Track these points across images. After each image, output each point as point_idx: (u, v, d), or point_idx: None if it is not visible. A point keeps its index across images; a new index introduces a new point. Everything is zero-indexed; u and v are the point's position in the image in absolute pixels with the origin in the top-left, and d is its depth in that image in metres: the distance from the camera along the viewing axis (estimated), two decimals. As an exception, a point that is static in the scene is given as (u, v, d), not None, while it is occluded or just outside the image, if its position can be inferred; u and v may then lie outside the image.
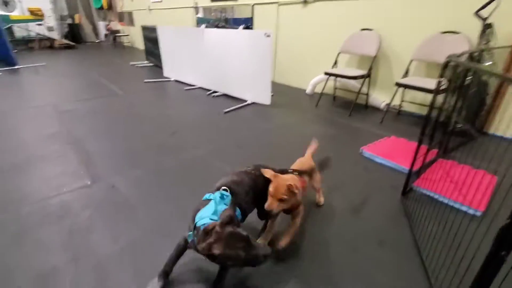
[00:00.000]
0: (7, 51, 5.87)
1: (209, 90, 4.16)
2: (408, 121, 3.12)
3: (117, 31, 10.35)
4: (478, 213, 1.61)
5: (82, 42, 10.97)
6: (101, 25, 11.63)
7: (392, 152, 2.31)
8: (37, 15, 9.56)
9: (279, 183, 1.14)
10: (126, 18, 10.39)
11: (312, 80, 4.01)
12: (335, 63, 3.59)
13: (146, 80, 4.83)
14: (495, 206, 1.65)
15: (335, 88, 3.82)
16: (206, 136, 2.69)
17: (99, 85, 4.50)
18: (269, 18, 4.59)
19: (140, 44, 9.44)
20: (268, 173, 1.18)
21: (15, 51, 6.58)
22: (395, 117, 3.26)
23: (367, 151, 2.33)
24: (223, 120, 3.10)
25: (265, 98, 3.54)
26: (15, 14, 9.06)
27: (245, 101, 3.65)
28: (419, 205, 1.65)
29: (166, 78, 4.97)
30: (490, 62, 2.50)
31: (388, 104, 3.18)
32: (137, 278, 1.18)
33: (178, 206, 1.66)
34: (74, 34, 10.65)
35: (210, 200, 1.04)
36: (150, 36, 5.80)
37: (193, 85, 4.44)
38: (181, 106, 3.62)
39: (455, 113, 2.49)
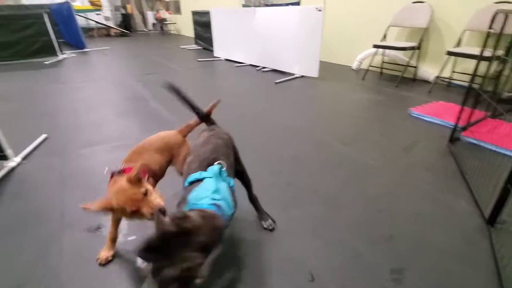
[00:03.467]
0: (79, 37, 6.71)
1: (258, 66, 4.48)
2: (458, 91, 3.16)
3: (165, 20, 11.06)
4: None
5: (132, 30, 11.90)
6: (149, 15, 12.50)
7: (440, 113, 2.45)
8: (96, 5, 10.60)
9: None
10: (173, 6, 11.06)
11: (359, 56, 4.14)
12: (384, 37, 3.69)
13: (199, 59, 5.29)
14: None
15: (383, 63, 3.92)
16: (260, 99, 3.02)
17: (160, 64, 5.04)
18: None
19: (186, 31, 10.06)
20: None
21: (82, 37, 7.43)
22: (445, 88, 3.31)
23: (416, 111, 2.49)
24: (275, 89, 3.40)
25: (313, 71, 3.77)
26: (77, 4, 10.13)
27: (293, 74, 3.92)
28: (465, 150, 1.84)
29: (217, 57, 5.39)
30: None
31: (438, 76, 3.25)
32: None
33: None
34: (126, 23, 11.60)
35: (200, 180, 0.85)
36: (200, 21, 6.25)
37: (243, 63, 4.80)
38: (234, 79, 3.99)
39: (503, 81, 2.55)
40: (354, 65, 4.25)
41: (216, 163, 0.90)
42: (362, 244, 1.15)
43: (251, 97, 3.11)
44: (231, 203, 0.83)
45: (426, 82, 3.54)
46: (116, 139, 2.11)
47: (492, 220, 1.27)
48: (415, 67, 3.58)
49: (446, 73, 3.29)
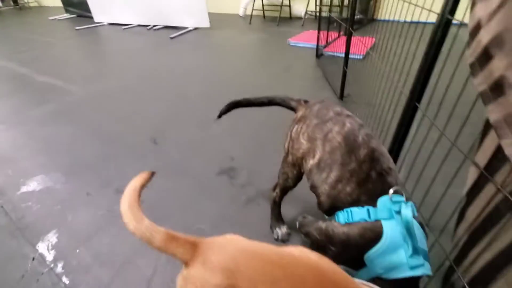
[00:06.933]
0: None
1: (148, 26, 4.33)
2: (325, 21, 3.88)
3: (13, -11, 8.82)
4: (361, 56, 2.48)
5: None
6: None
7: (310, 38, 3.06)
8: None
9: None
10: (18, -30, 8.83)
11: (243, 2, 4.46)
12: (259, -19, 4.06)
13: (77, 28, 4.69)
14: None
15: (263, 6, 4.35)
16: (157, 55, 3.09)
17: (29, 39, 4.27)
18: None
19: (48, 1, 8.34)
20: None
21: None
22: (314, 20, 4.00)
23: (292, 40, 3.05)
24: (172, 43, 3.48)
25: (204, 22, 3.93)
26: None
27: (187, 27, 4.00)
28: (327, 61, 2.47)
29: (99, 23, 4.87)
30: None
31: (306, 11, 3.88)
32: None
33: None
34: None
35: (375, 223, 0.55)
36: (64, -17, 5.37)
37: (131, 24, 4.52)
38: (125, 41, 3.81)
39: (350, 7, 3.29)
40: (241, 12, 4.58)
41: (392, 191, 0.56)
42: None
43: (147, 55, 3.14)
44: (427, 247, 0.56)
45: (300, 18, 4.17)
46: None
47: (341, 96, 1.89)
48: (289, 6, 4.14)
49: (313, 8, 3.95)
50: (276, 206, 0.97)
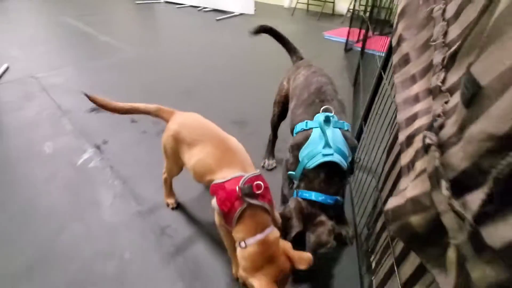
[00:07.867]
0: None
1: (199, 7, 4.74)
2: (359, 19, 3.98)
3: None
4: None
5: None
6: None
7: (343, 34, 3.21)
8: None
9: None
10: None
11: (289, -6, 4.68)
12: (307, -24, 4.24)
13: (137, 2, 5.25)
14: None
15: (308, 0, 4.53)
16: (203, 33, 3.45)
17: (97, 6, 4.91)
18: None
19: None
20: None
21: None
22: (355, 19, 4.10)
23: (327, 34, 3.23)
24: (216, 24, 3.83)
25: (249, 8, 4.23)
26: None
27: (233, 12, 4.32)
28: (353, 54, 2.64)
29: (156, 0, 5.40)
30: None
31: (348, 9, 4.00)
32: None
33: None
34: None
35: (309, 130, 0.80)
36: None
37: (184, 4, 4.97)
38: (177, 18, 4.25)
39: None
40: (286, 4, 4.79)
41: (322, 109, 0.82)
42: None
43: (194, 31, 3.52)
44: (346, 151, 0.78)
45: (341, 15, 4.30)
46: (63, 66, 2.44)
47: (354, 84, 2.09)
48: (333, 2, 4.28)
49: (356, 6, 4.05)
50: (269, 142, 1.25)
